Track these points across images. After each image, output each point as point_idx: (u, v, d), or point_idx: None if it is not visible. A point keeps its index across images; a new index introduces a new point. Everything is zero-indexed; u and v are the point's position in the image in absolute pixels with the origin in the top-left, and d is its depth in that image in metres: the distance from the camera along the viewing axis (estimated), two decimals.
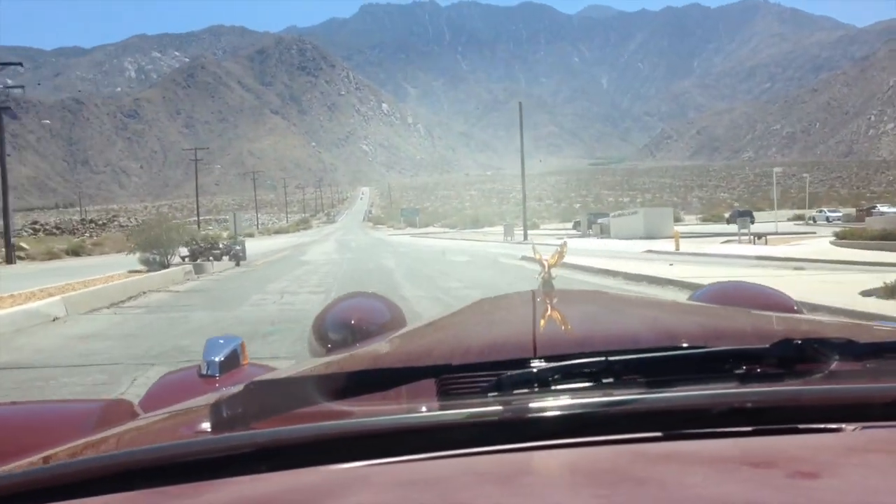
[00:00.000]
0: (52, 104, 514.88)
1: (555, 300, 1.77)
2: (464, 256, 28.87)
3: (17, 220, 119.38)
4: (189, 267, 22.85)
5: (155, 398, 1.46)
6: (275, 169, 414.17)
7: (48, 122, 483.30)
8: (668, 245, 30.22)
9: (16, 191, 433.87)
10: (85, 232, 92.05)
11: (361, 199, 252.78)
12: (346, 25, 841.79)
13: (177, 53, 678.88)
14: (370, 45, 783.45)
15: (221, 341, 1.74)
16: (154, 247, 23.57)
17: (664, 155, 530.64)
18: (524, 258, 26.43)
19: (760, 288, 2.24)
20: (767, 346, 0.91)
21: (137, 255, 23.71)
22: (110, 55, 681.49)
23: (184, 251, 27.32)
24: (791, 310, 1.96)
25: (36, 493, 0.72)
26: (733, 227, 41.21)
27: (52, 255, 46.40)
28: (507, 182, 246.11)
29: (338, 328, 2.12)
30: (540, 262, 1.99)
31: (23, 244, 50.69)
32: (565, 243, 2.13)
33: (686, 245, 28.85)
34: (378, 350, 1.45)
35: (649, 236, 39.68)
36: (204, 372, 1.63)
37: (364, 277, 19.83)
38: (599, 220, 57.20)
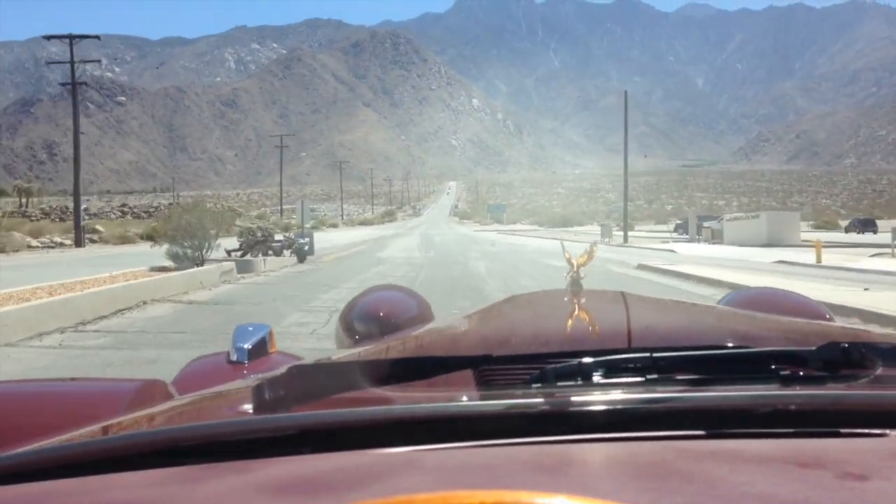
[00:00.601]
0: (156, 92, 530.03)
1: (587, 299, 1.77)
2: (565, 262, 24.19)
3: (111, 202, 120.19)
4: (230, 265, 18.30)
5: (185, 381, 1.48)
6: (364, 161, 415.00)
7: (122, 99, 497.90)
8: (800, 255, 25.52)
9: (118, 174, 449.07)
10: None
11: (448, 193, 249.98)
12: (441, 20, 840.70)
13: (275, 45, 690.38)
14: (463, 40, 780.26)
15: (251, 328, 1.75)
16: (186, 237, 18.63)
17: (760, 159, 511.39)
18: (641, 267, 21.66)
19: (792, 295, 2.20)
20: (813, 348, 0.90)
21: (165, 247, 18.74)
22: (212, 46, 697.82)
23: (232, 243, 23.59)
24: (824, 318, 1.92)
25: (89, 464, 0.73)
26: (853, 236, 35.21)
27: (125, 240, 43.87)
28: (596, 181, 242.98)
29: (366, 320, 2.12)
30: (569, 261, 1.95)
31: (98, 227, 48.52)
32: (595, 244, 2.09)
33: (828, 257, 23.56)
34: (414, 340, 1.46)
35: (772, 243, 34.44)
36: (233, 358, 1.65)
37: (449, 287, 15.38)
38: (707, 224, 51.74)
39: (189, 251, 18.44)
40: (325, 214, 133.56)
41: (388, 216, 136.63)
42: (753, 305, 1.93)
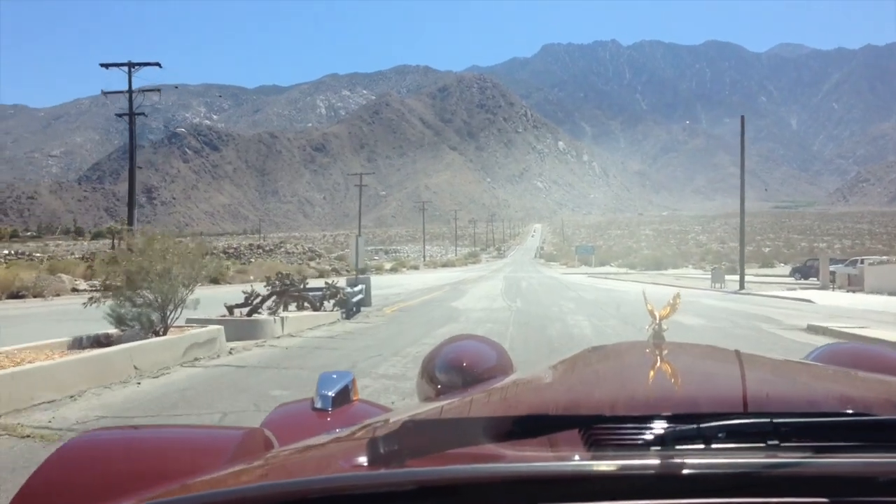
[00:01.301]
0: (250, 138, 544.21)
1: (678, 354, 1.73)
2: (696, 319, 18.09)
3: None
4: (213, 330, 11.69)
5: (276, 428, 1.48)
6: (449, 203, 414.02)
7: (192, 140, 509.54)
8: None
9: (212, 217, 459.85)
10: (251, 257, 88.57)
11: (533, 236, 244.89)
12: (527, 65, 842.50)
13: (364, 91, 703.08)
14: (550, 83, 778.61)
15: (335, 376, 1.77)
16: (141, 288, 10.95)
17: (858, 200, 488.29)
18: (812, 329, 15.58)
19: (882, 350, 2.09)
20: None
21: (107, 304, 11.01)
22: (304, 93, 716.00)
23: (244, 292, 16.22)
24: None
25: None
26: None
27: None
28: (684, 223, 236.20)
29: (448, 370, 2.11)
30: (651, 312, 1.90)
31: None
32: (678, 294, 2.01)
33: None
34: (511, 394, 1.45)
35: None
36: (317, 405, 1.66)
37: (548, 356, 10.02)
38: (832, 268, 44.72)
39: (143, 311, 10.98)
40: (407, 256, 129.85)
41: (472, 258, 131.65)
42: (850, 363, 1.86)
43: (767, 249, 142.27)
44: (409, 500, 0.75)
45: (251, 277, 46.79)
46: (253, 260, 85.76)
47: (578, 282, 47.96)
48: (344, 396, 1.71)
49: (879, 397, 1.29)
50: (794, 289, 35.62)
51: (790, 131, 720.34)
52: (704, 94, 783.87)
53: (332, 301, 18.74)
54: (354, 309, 19.58)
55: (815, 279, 48.67)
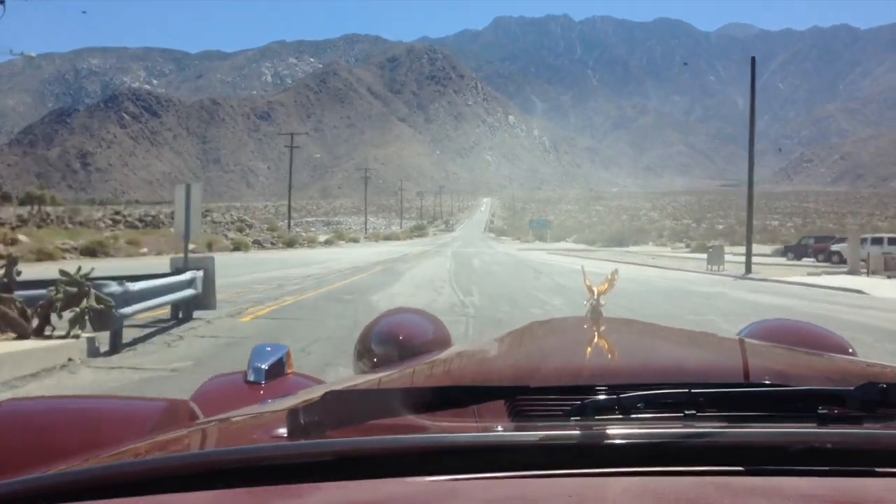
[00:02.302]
0: (191, 104, 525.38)
1: (612, 328, 1.74)
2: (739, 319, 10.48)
3: (108, 211, 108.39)
4: None
5: (205, 401, 1.45)
6: (397, 175, 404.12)
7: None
8: None
9: (151, 185, 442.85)
10: (171, 227, 79.46)
11: (482, 210, 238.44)
12: (478, 37, 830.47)
13: (312, 60, 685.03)
14: (500, 57, 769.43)
15: (268, 349, 1.73)
16: None
17: (802, 180, 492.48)
18: None
19: (815, 327, 2.15)
20: (851, 387, 0.89)
21: None
22: (250, 60, 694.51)
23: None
24: (846, 352, 1.88)
25: (132, 485, 0.73)
26: None
27: (43, 255, 31.15)
28: (634, 200, 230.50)
29: (385, 344, 2.08)
30: (589, 288, 1.89)
31: (21, 237, 36.03)
32: (616, 271, 2.00)
33: None
34: (441, 366, 1.44)
35: None
36: (250, 378, 1.62)
37: None
38: (836, 247, 38.30)
39: None
40: (349, 228, 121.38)
41: (418, 231, 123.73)
42: (777, 337, 1.88)
43: (721, 227, 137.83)
44: (328, 471, 0.74)
45: (144, 250, 38.26)
46: (171, 230, 76.65)
47: (542, 260, 40.45)
48: (278, 369, 1.67)
49: (796, 369, 1.32)
50: (819, 273, 28.63)
51: (737, 111, 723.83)
52: (654, 72, 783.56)
53: (73, 313, 8.59)
54: (181, 315, 11.47)
55: (813, 259, 42.17)
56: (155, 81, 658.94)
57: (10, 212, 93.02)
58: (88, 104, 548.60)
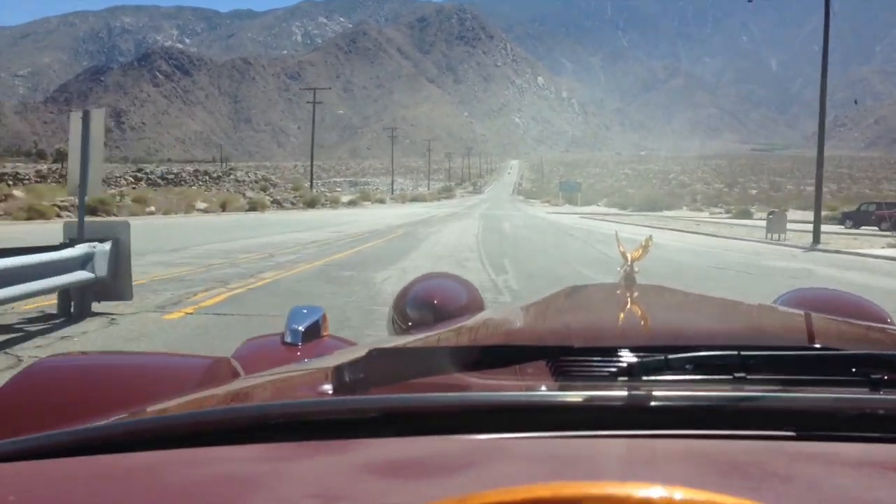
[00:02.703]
0: (223, 63, 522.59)
1: (648, 294, 1.73)
2: None
3: (140, 169, 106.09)
4: None
5: (244, 360, 1.44)
6: (426, 136, 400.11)
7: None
8: None
9: (183, 144, 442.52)
10: (194, 184, 76.95)
11: (510, 173, 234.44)
12: None
13: (342, 19, 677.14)
14: (530, 18, 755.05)
15: (305, 311, 1.74)
16: None
17: (835, 144, 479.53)
18: None
19: (854, 296, 2.10)
20: None
21: None
22: (280, 19, 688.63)
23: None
24: (885, 321, 1.81)
25: (182, 437, 0.73)
26: None
27: (35, 213, 28.40)
28: (662, 163, 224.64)
29: (419, 307, 2.10)
30: (623, 254, 1.87)
31: (17, 192, 33.31)
32: (650, 237, 1.98)
33: None
34: (481, 328, 1.42)
35: None
36: (287, 339, 1.63)
37: None
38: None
39: None
40: (376, 189, 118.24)
41: (445, 192, 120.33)
42: (815, 306, 1.81)
43: (754, 191, 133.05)
44: (373, 427, 0.73)
45: (151, 208, 35.44)
46: (208, 188, 73.98)
47: (576, 224, 37.10)
48: (314, 331, 1.68)
49: (845, 335, 1.28)
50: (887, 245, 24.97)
51: (769, 73, 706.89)
52: (685, 33, 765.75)
53: None
54: (73, 309, 7.82)
55: (875, 228, 38.46)
56: (187, 40, 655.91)
57: (29, 168, 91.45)
58: (122, 62, 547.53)
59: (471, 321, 1.52)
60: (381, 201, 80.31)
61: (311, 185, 67.00)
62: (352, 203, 63.63)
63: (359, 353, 0.92)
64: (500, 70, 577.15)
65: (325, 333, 1.74)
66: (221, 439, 0.72)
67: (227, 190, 71.66)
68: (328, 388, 0.87)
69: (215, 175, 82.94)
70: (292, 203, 51.41)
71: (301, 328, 1.63)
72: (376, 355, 0.86)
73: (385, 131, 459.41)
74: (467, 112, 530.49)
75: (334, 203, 59.19)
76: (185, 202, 39.45)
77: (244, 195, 51.72)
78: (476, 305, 2.12)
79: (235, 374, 1.25)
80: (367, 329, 7.02)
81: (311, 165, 68.68)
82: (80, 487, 0.64)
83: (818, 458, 0.67)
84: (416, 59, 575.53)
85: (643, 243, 1.87)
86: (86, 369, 1.30)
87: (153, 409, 0.90)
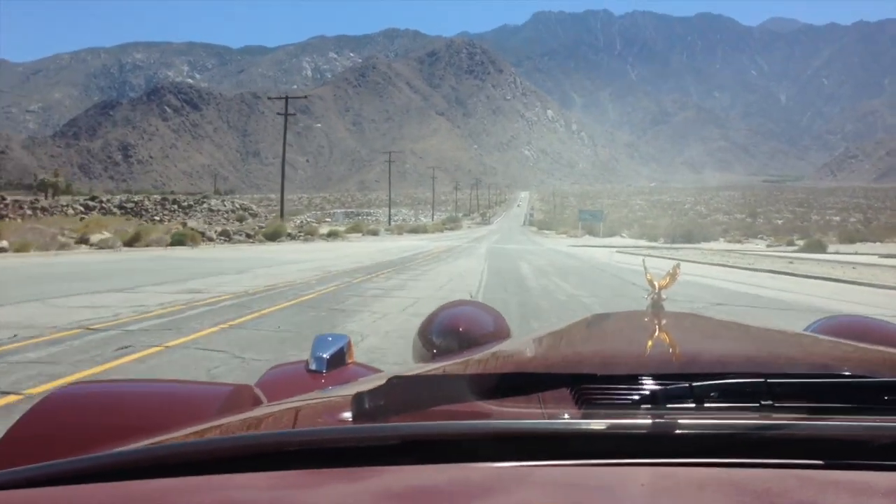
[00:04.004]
0: (232, 98, 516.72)
1: (675, 321, 1.69)
2: None
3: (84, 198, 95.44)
4: None
5: (268, 388, 1.42)
6: (436, 169, 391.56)
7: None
8: None
9: (191, 177, 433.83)
10: (157, 215, 66.32)
11: (519, 205, 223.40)
12: (518, 32, 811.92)
13: (352, 54, 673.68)
14: (540, 52, 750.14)
15: (330, 339, 1.71)
16: None
17: (846, 176, 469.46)
18: None
19: (884, 324, 2.03)
20: None
21: None
22: (290, 54, 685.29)
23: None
24: None
25: (197, 465, 0.72)
26: None
27: None
28: (674, 194, 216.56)
29: (445, 334, 2.07)
30: (650, 282, 1.85)
31: None
32: (678, 265, 1.95)
33: None
34: (504, 356, 1.41)
35: None
36: (312, 367, 1.61)
37: None
38: None
39: None
40: (376, 220, 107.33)
41: (451, 223, 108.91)
42: (846, 334, 1.75)
43: (779, 222, 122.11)
44: (393, 455, 0.72)
45: (2, 242, 24.19)
46: (155, 218, 62.96)
47: (620, 265, 25.37)
48: (339, 359, 1.66)
49: (876, 363, 1.24)
50: None
51: (779, 106, 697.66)
52: (694, 67, 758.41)
53: None
54: None
55: None
56: (198, 76, 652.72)
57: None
58: (132, 97, 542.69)
59: (494, 348, 1.51)
60: (374, 233, 68.90)
61: (282, 214, 55.60)
62: (332, 235, 52.13)
63: (380, 380, 0.90)
64: (509, 103, 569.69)
65: (350, 361, 1.73)
66: (239, 467, 0.71)
67: (183, 222, 61.01)
68: (348, 415, 0.86)
69: (185, 204, 71.95)
70: (248, 235, 40.07)
71: (325, 356, 1.62)
72: (396, 382, 0.86)
73: (394, 164, 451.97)
74: (476, 145, 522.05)
75: (309, 235, 47.74)
76: (80, 233, 28.20)
77: (183, 224, 40.41)
78: (503, 333, 2.10)
79: (257, 402, 1.25)
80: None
81: (282, 189, 57.40)
82: None
83: (848, 487, 0.65)
84: (425, 93, 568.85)
85: (670, 271, 1.84)
86: (106, 396, 1.30)
87: (172, 436, 0.89)
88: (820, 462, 0.70)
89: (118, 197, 71.86)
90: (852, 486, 0.65)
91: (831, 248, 44.01)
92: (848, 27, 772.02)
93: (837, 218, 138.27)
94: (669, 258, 31.06)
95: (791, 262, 28.06)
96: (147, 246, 30.54)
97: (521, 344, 1.58)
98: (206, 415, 1.06)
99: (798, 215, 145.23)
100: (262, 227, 43.13)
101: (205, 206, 72.76)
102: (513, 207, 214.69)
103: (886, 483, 0.66)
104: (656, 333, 1.49)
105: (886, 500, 0.62)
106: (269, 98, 67.81)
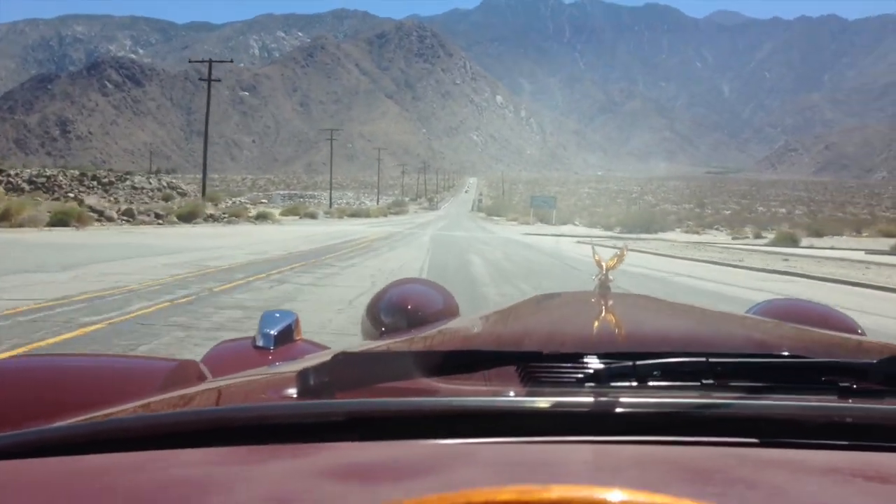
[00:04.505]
0: (176, 74, 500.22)
1: (622, 302, 1.70)
2: None
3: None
4: None
5: (214, 364, 1.39)
6: (384, 153, 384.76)
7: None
8: None
9: (132, 155, 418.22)
10: (70, 192, 59.71)
11: (467, 191, 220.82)
12: (468, 17, 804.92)
13: (300, 34, 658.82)
14: (489, 37, 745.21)
15: (277, 315, 1.68)
16: None
17: (786, 169, 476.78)
18: None
19: (824, 308, 2.07)
20: (874, 361, 0.85)
21: None
22: (237, 32, 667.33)
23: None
24: (856, 332, 1.80)
25: (138, 440, 0.71)
26: None
27: None
28: (621, 183, 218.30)
29: (393, 312, 2.03)
30: (598, 263, 1.82)
31: None
32: (626, 246, 1.98)
33: None
34: (450, 334, 1.40)
35: None
36: (259, 343, 1.57)
37: None
38: None
39: None
40: (318, 203, 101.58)
41: (396, 207, 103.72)
42: (786, 316, 1.79)
43: (727, 213, 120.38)
44: (337, 431, 0.71)
45: None
46: (69, 195, 56.49)
47: (582, 256, 20.66)
48: (287, 335, 1.62)
49: (814, 344, 1.26)
50: None
51: (722, 98, 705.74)
52: (641, 57, 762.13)
53: None
54: None
55: None
56: (141, 51, 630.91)
57: None
58: (72, 71, 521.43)
59: (442, 326, 1.50)
60: (313, 216, 63.47)
61: (203, 192, 49.84)
62: (260, 217, 46.57)
63: (328, 357, 0.89)
64: (458, 88, 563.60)
65: (297, 337, 1.69)
66: (181, 442, 0.70)
67: (115, 198, 54.78)
68: (293, 391, 0.84)
69: (106, 181, 65.21)
70: (158, 215, 34.42)
71: (273, 332, 1.58)
72: (342, 359, 0.84)
73: (342, 147, 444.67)
74: (425, 129, 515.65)
75: (234, 217, 42.12)
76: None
77: (80, 202, 34.54)
78: (451, 311, 2.08)
79: (202, 378, 1.22)
80: None
81: (204, 164, 51.71)
82: (25, 491, 0.61)
83: (784, 465, 0.66)
84: (374, 75, 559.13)
85: (618, 253, 1.85)
86: (46, 370, 1.26)
87: (113, 410, 0.86)
88: (757, 441, 0.71)
89: (28, 171, 64.58)
90: (788, 464, 0.66)
91: (804, 241, 40.11)
92: (790, 21, 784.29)
93: (783, 210, 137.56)
94: (641, 251, 26.73)
95: (786, 260, 23.81)
96: (19, 226, 24.92)
97: (469, 322, 1.58)
98: (149, 390, 1.03)
99: (744, 206, 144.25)
100: (171, 210, 37.45)
101: (128, 183, 66.02)
102: (460, 193, 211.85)
103: (821, 461, 0.67)
104: (603, 313, 1.48)
105: (820, 477, 0.63)
106: (191, 62, 60.98)
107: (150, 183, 69.73)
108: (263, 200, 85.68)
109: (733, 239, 47.25)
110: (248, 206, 64.98)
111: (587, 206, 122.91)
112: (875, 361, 0.85)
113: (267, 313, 1.70)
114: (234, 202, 64.54)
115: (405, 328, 1.85)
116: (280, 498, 0.58)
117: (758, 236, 47.55)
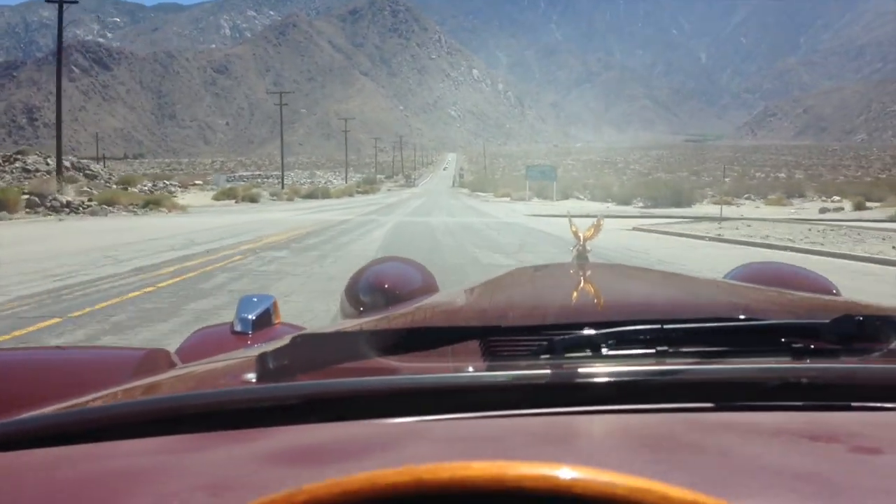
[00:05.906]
0: (145, 57, 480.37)
1: (594, 272, 1.68)
2: None
3: None
4: None
5: (189, 351, 1.40)
6: (360, 131, 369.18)
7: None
8: None
9: (102, 141, 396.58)
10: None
11: (446, 168, 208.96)
12: None
13: (271, 12, 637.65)
14: (464, 11, 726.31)
15: (255, 299, 1.65)
16: None
17: (766, 134, 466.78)
18: None
19: (799, 269, 2.05)
20: (827, 321, 0.84)
21: None
22: (207, 12, 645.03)
23: None
24: (830, 293, 1.77)
25: (93, 432, 0.69)
26: None
27: None
28: (604, 154, 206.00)
29: (371, 291, 1.99)
30: (575, 234, 1.83)
31: None
32: (602, 217, 1.95)
33: None
34: (421, 311, 1.38)
35: None
36: (237, 328, 1.54)
37: None
38: None
39: None
40: (295, 182, 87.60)
41: (366, 185, 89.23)
42: (760, 280, 1.77)
43: (728, 180, 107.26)
44: (295, 414, 0.70)
45: None
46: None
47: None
48: (265, 319, 1.59)
49: (771, 306, 1.25)
50: None
51: (699, 65, 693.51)
52: (617, 26, 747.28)
53: None
54: None
55: None
56: (109, 34, 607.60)
57: None
58: (38, 57, 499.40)
59: (416, 305, 1.49)
60: (253, 199, 49.11)
61: (59, 171, 35.37)
62: (151, 204, 32.18)
63: (288, 340, 0.88)
64: (434, 63, 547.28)
65: (276, 321, 1.67)
66: (136, 432, 0.69)
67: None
68: (252, 376, 0.83)
69: (31, 167, 52.24)
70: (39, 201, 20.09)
71: (251, 317, 1.56)
72: (301, 341, 0.83)
73: (317, 126, 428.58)
74: (402, 105, 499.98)
75: (155, 205, 28.24)
76: None
77: None
78: (430, 289, 2.03)
79: (172, 365, 1.20)
80: None
81: (59, 137, 37.38)
82: None
83: (735, 428, 0.65)
84: (348, 52, 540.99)
85: (595, 223, 1.81)
86: (14, 364, 1.24)
87: (69, 403, 0.84)
88: (710, 405, 0.70)
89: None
90: (740, 426, 0.65)
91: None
92: None
93: (782, 175, 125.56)
94: (771, 244, 12.38)
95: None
96: None
97: (445, 298, 1.58)
98: (118, 380, 1.02)
99: (740, 173, 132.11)
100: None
101: (17, 164, 51.81)
102: (439, 169, 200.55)
103: (772, 422, 0.66)
104: (569, 285, 1.48)
105: (769, 438, 0.62)
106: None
107: (48, 164, 55.07)
108: (198, 182, 70.62)
109: (820, 211, 33.42)
110: (174, 189, 50.79)
111: (574, 178, 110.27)
112: (828, 321, 0.84)
113: (245, 297, 1.68)
114: (154, 185, 50.07)
115: (384, 306, 1.81)
116: (216, 485, 0.57)
117: (859, 206, 33.72)
